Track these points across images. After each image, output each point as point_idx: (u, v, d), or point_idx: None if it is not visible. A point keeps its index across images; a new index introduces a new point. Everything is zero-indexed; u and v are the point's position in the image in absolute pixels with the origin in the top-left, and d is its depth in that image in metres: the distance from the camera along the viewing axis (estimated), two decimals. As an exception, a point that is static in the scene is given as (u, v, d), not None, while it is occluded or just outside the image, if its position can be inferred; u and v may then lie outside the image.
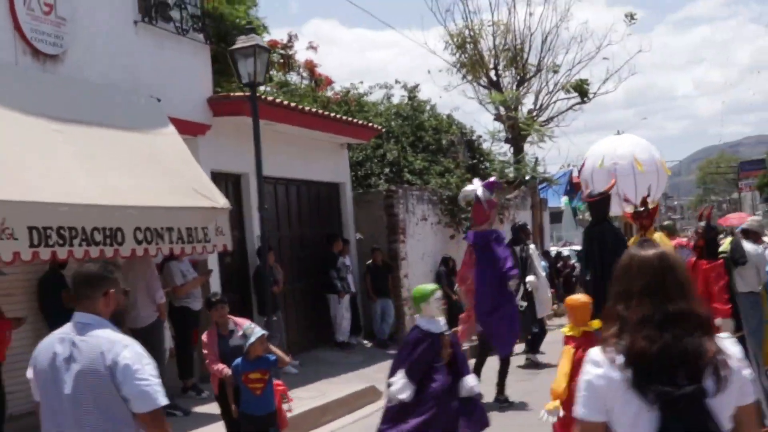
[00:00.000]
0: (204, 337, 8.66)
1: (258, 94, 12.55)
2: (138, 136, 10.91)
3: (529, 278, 14.55)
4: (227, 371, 8.12)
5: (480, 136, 24.49)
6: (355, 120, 17.09)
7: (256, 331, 7.99)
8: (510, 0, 30.16)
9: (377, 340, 17.12)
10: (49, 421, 4.26)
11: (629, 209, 12.75)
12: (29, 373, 4.45)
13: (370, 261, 17.22)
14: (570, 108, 30.27)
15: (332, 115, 16.23)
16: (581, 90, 27.51)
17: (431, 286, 7.67)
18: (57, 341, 4.28)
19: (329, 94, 21.12)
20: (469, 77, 30.49)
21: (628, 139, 19.02)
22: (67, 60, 10.41)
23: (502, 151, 26.38)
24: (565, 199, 35.20)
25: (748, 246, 11.19)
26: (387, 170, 20.46)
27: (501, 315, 11.28)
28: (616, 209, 18.64)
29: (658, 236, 12.52)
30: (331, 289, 16.09)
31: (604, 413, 3.03)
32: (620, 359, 2.99)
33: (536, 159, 28.59)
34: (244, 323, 8.46)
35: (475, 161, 22.73)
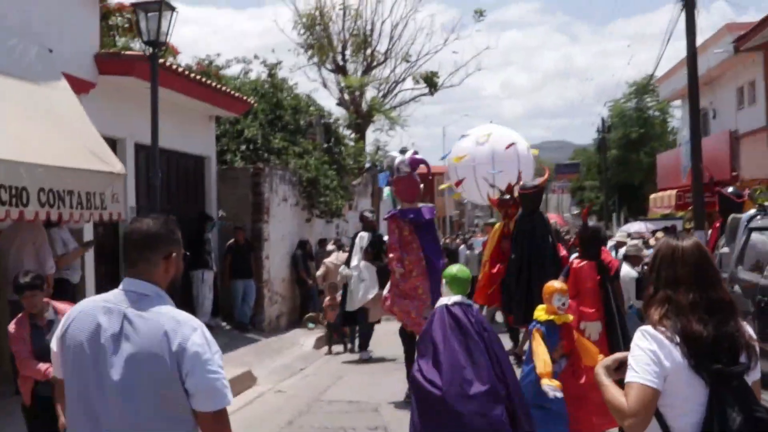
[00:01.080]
0: (11, 327, 6.80)
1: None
2: (32, 87, 9.85)
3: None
4: (51, 371, 6.10)
5: (338, 119, 24.10)
6: (231, 91, 16.29)
7: None
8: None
9: (237, 322, 16.49)
10: (78, 410, 3.43)
11: (495, 195, 12.92)
12: (53, 344, 3.69)
13: (231, 240, 16.55)
14: (414, 98, 30.65)
15: (213, 84, 15.39)
16: (431, 82, 27.83)
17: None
18: (101, 311, 3.43)
19: (191, 64, 20.14)
20: (316, 59, 30.19)
21: (500, 128, 19.22)
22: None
23: (353, 136, 26.22)
24: (386, 189, 35.55)
25: (625, 269, 11.45)
26: (244, 148, 19.74)
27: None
28: (474, 196, 18.75)
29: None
30: (197, 266, 15.29)
31: (662, 383, 3.31)
32: (676, 338, 3.33)
33: (377, 147, 28.70)
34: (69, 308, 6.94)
35: (330, 144, 22.36)
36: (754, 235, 10.04)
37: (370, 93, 30.44)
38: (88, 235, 11.94)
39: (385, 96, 29.80)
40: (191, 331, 3.39)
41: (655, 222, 24.56)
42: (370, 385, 12.30)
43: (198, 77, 14.85)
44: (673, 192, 26.57)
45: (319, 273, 17.25)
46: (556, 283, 7.96)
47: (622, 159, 42.90)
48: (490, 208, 19.80)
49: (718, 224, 12.68)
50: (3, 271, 9.74)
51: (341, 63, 30.21)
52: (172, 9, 11.29)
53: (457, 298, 7.24)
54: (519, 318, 11.10)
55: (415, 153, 11.48)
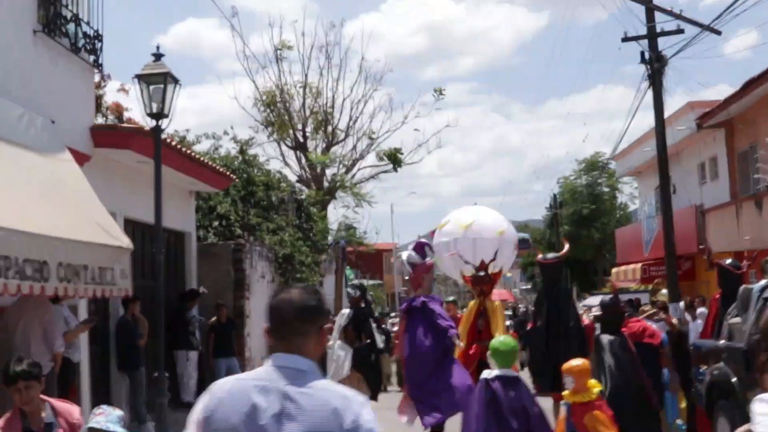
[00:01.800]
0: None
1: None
2: (39, 158, 9.55)
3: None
4: None
5: (310, 196, 23.94)
6: (215, 166, 16.07)
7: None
8: (322, 63, 30.38)
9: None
10: None
11: (468, 273, 12.84)
12: (193, 429, 3.40)
13: (214, 318, 16.11)
14: (373, 176, 30.67)
15: (200, 158, 15.16)
16: (395, 159, 27.90)
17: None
18: (255, 391, 3.17)
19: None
20: (276, 136, 30.14)
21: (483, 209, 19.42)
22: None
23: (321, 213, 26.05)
24: (348, 269, 35.41)
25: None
26: (217, 224, 19.45)
27: (444, 373, 10.56)
28: (450, 270, 18.80)
29: (498, 304, 12.74)
30: (181, 346, 14.84)
31: None
32: None
33: (346, 224, 28.60)
34: (72, 410, 5.92)
35: (302, 221, 22.17)
36: (772, 305, 10.07)
37: (330, 170, 30.48)
38: (82, 312, 11.52)
39: (346, 172, 29.79)
40: (361, 407, 3.18)
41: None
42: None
43: (185, 150, 14.61)
44: (638, 265, 26.86)
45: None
46: (571, 362, 7.79)
47: (574, 235, 43.42)
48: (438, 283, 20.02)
49: (718, 296, 12.75)
50: (9, 352, 9.23)
51: (301, 140, 30.20)
52: (176, 81, 11.13)
53: (498, 372, 7.06)
54: (546, 385, 11.07)
55: (420, 239, 12.01)
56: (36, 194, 8.71)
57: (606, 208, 44.08)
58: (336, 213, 28.05)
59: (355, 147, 29.83)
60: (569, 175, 45.90)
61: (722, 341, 11.30)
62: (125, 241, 9.94)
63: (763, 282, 10.68)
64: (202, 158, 15.42)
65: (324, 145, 30.09)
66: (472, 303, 12.66)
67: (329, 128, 30.01)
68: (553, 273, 12.03)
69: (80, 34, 11.28)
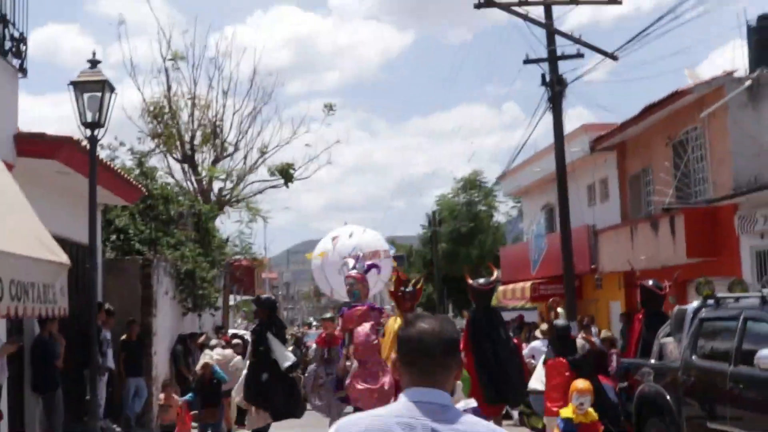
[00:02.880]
0: None
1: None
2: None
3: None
4: None
5: (207, 210, 23.30)
6: (127, 177, 15.41)
7: None
8: (212, 74, 29.79)
9: (125, 421, 15.25)
10: None
11: (392, 287, 12.88)
12: None
13: (124, 336, 15.43)
14: (260, 191, 30.22)
15: (118, 170, 14.52)
16: (287, 174, 27.56)
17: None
18: (400, 428, 2.99)
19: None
20: (163, 148, 29.30)
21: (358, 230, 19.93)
22: None
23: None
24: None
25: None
26: (114, 237, 18.67)
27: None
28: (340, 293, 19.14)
29: None
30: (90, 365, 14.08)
31: None
32: None
33: (227, 238, 28.09)
34: None
35: (200, 236, 21.55)
36: (707, 325, 10.45)
37: (217, 183, 29.87)
38: (0, 331, 10.80)
39: (235, 186, 29.27)
40: None
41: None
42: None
43: (105, 162, 13.97)
44: (527, 284, 27.42)
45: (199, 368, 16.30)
46: (579, 383, 7.89)
47: (453, 252, 43.98)
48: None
49: (640, 315, 13.15)
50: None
51: (189, 153, 29.45)
52: (112, 89, 10.62)
53: (472, 402, 7.08)
54: (491, 396, 11.61)
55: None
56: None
57: (484, 226, 44.88)
58: (224, 227, 27.38)
59: (245, 160, 29.36)
60: (447, 192, 46.56)
61: (652, 360, 11.66)
62: (64, 257, 9.38)
63: (695, 303, 11.09)
64: (119, 170, 14.74)
65: (212, 158, 29.45)
66: (397, 320, 12.40)
67: (218, 141, 29.40)
68: (487, 296, 12.76)
69: (6, 36, 10.63)
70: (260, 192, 30.16)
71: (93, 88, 10.31)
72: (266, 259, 57.37)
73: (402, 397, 3.07)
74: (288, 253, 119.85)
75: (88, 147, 11.92)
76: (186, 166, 29.10)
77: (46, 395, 11.99)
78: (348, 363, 12.15)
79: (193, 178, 28.81)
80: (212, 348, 16.79)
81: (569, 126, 22.72)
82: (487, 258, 44.56)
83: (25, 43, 11.21)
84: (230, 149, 29.57)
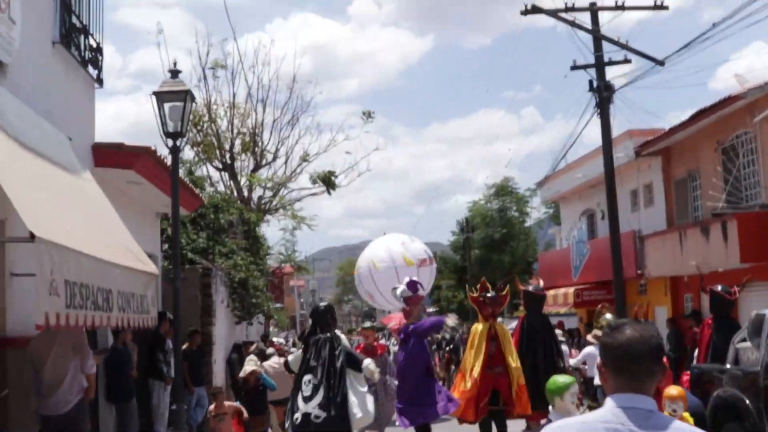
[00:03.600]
0: None
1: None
2: (72, 179, 9.00)
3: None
4: None
5: (254, 217, 23.42)
6: (191, 186, 15.53)
7: None
8: (251, 82, 29.96)
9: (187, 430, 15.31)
10: None
11: (473, 293, 12.86)
12: None
13: (186, 345, 15.49)
14: (299, 199, 30.34)
15: (183, 179, 14.63)
16: (329, 182, 27.66)
17: (566, 378, 7.04)
18: None
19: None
20: (203, 156, 29.48)
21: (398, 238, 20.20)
22: (9, 72, 8.37)
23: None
24: None
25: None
26: (166, 247, 18.78)
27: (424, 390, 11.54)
28: (382, 302, 19.19)
29: (500, 327, 12.66)
30: (156, 375, 14.19)
31: None
32: None
33: (282, 245, 28.21)
34: None
35: (250, 244, 21.66)
36: (789, 331, 10.43)
37: (256, 192, 30.02)
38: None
39: (275, 194, 29.40)
40: None
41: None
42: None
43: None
44: (569, 290, 27.35)
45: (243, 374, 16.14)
46: (671, 390, 7.80)
47: (485, 258, 43.95)
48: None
49: (710, 320, 13.13)
50: (40, 381, 8.56)
51: (229, 161, 29.62)
52: (193, 99, 10.73)
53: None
54: (538, 402, 11.52)
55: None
56: (81, 217, 8.20)
57: (516, 232, 44.86)
58: (266, 235, 27.50)
59: (285, 168, 29.51)
60: (479, 199, 46.57)
61: (728, 365, 11.62)
62: (153, 267, 9.50)
63: (774, 308, 11.06)
64: (183, 179, 14.86)
65: (252, 166, 29.62)
66: (479, 327, 12.42)
67: (257, 149, 29.55)
68: (540, 302, 13.47)
69: (87, 47, 10.75)
70: (299, 200, 30.36)
71: (175, 98, 10.40)
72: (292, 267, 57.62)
73: (609, 403, 3.10)
74: (313, 260, 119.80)
75: (163, 157, 12.08)
76: (226, 174, 29.28)
77: (120, 405, 12.06)
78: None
79: (233, 186, 28.97)
80: (269, 356, 16.84)
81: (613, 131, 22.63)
82: (520, 264, 44.63)
83: (102, 54, 11.33)
84: (269, 157, 29.77)
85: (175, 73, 10.64)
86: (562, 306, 28.14)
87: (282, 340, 21.45)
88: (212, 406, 13.58)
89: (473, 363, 12.09)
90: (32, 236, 5.59)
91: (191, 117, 28.61)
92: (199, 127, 29.15)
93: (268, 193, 29.77)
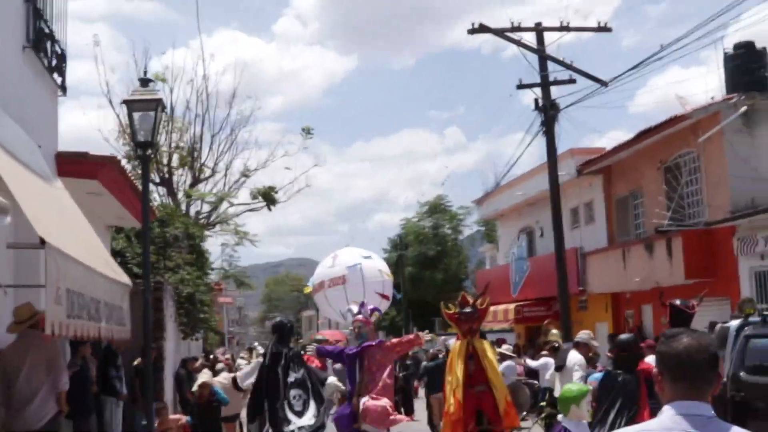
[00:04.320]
0: None
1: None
2: (49, 188, 8.72)
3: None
4: None
5: (199, 233, 23.06)
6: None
7: None
8: (189, 98, 29.58)
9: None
10: None
11: (449, 310, 12.37)
12: None
13: (138, 361, 15.11)
14: (238, 214, 30.02)
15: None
16: (269, 197, 27.42)
17: (581, 386, 7.09)
18: None
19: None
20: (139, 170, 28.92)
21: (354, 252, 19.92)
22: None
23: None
24: None
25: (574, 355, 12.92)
26: (118, 261, 18.34)
27: None
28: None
29: (486, 342, 12.08)
30: (109, 391, 13.78)
31: None
32: None
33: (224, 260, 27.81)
34: None
35: (195, 257, 21.30)
36: (754, 342, 10.70)
37: (193, 207, 29.60)
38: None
39: (213, 209, 29.03)
40: None
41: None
42: None
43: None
44: (509, 306, 27.60)
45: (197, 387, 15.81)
46: None
47: (418, 276, 44.08)
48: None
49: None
50: (13, 395, 8.21)
51: (166, 175, 29.15)
52: (164, 108, 10.51)
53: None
54: None
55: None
56: (66, 225, 7.94)
57: (448, 249, 45.14)
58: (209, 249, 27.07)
59: (224, 183, 29.19)
60: (412, 217, 46.76)
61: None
62: (126, 278, 9.25)
63: (738, 321, 11.34)
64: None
65: (190, 181, 29.18)
66: (456, 344, 11.86)
67: (196, 164, 29.16)
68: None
69: (53, 53, 10.45)
70: (237, 215, 30.05)
71: (145, 107, 10.17)
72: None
73: (668, 411, 3.17)
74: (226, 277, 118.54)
75: (125, 167, 11.77)
76: (164, 189, 28.79)
77: (79, 421, 11.67)
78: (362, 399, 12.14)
79: (171, 201, 28.49)
80: (219, 372, 16.56)
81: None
82: (452, 281, 44.90)
83: (65, 61, 11.04)
84: (208, 172, 29.40)
85: (145, 81, 10.41)
86: (502, 322, 28.36)
87: (228, 356, 21.17)
88: (156, 422, 13.10)
89: (454, 384, 11.80)
90: (42, 242, 5.38)
91: (128, 131, 28.29)
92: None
93: (206, 208, 29.40)
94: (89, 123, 42.81)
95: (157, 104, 10.16)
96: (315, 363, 14.46)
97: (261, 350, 13.41)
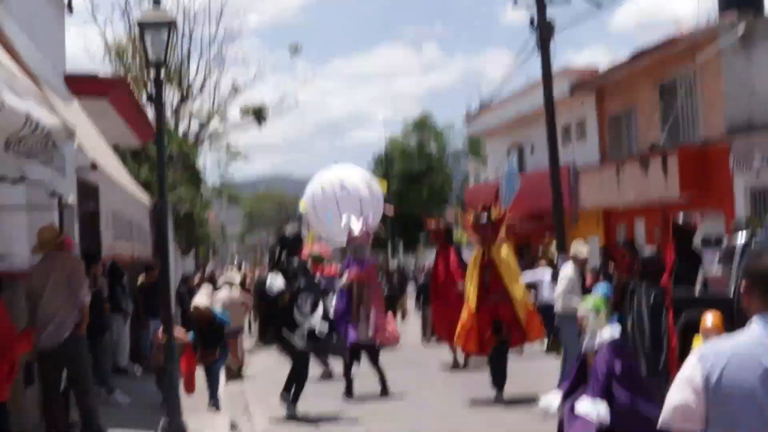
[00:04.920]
0: None
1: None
2: (69, 110, 8.64)
3: None
4: None
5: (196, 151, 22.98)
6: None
7: None
8: (176, 16, 29.05)
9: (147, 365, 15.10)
10: None
11: (469, 220, 12.03)
12: (685, 394, 3.36)
13: (141, 278, 15.18)
14: (224, 133, 29.84)
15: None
16: (259, 114, 27.27)
17: (599, 297, 7.24)
18: (762, 348, 3.20)
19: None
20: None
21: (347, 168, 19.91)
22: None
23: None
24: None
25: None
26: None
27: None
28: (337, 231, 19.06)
29: (507, 251, 11.91)
30: (116, 309, 13.86)
31: None
32: None
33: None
34: None
35: (190, 175, 21.28)
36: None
37: (181, 126, 29.38)
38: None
39: (202, 128, 28.84)
40: None
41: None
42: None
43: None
44: (500, 223, 27.78)
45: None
46: (708, 321, 7.93)
47: (403, 193, 44.27)
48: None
49: (672, 251, 13.56)
50: (37, 314, 8.21)
51: (153, 94, 28.76)
52: (176, 28, 10.36)
53: (616, 331, 7.21)
54: None
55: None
56: (95, 147, 7.92)
57: (433, 165, 45.27)
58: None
59: (213, 100, 28.94)
60: (396, 134, 46.70)
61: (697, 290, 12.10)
62: (146, 199, 9.26)
63: (744, 239, 11.53)
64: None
65: (178, 99, 28.90)
66: (474, 254, 11.71)
67: (184, 81, 28.84)
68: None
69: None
70: (223, 134, 29.85)
71: (158, 28, 9.98)
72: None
73: (757, 322, 3.29)
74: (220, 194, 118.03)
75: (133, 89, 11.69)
76: (152, 106, 28.45)
77: (94, 340, 11.78)
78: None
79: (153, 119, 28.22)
80: (219, 288, 16.52)
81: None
82: (437, 197, 45.15)
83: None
84: (195, 90, 29.11)
85: (157, 2, 10.22)
86: (493, 239, 28.52)
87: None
88: (158, 336, 12.75)
89: (470, 293, 11.60)
90: (94, 166, 5.39)
91: (115, 50, 27.87)
92: (123, 60, 28.26)
93: (195, 127, 29.20)
94: (71, 43, 42.07)
95: (170, 26, 9.99)
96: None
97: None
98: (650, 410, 6.49)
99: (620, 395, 6.74)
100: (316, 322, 11.07)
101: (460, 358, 15.30)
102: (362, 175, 19.82)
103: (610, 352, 6.96)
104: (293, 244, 12.36)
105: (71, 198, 6.12)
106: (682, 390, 3.32)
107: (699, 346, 3.52)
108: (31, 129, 4.19)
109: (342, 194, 18.07)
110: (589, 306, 7.29)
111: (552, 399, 7.19)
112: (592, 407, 6.65)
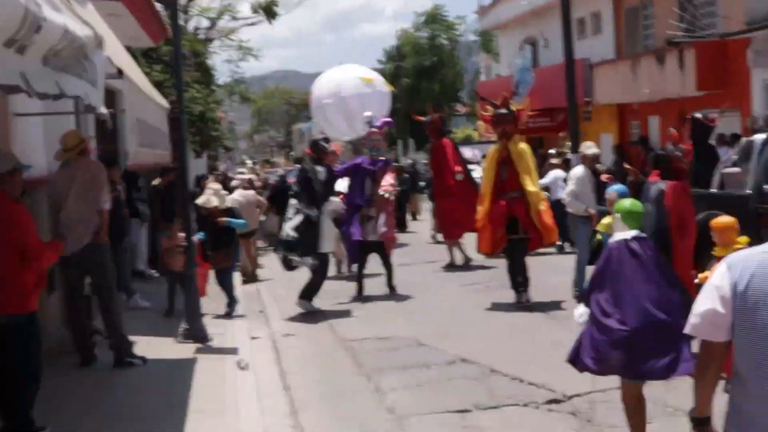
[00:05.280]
0: None
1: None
2: (84, 12, 8.50)
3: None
4: None
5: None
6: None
7: None
8: None
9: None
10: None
11: (486, 112, 11.45)
12: (714, 303, 3.31)
13: (158, 182, 15.13)
14: (235, 29, 29.43)
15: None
16: (270, 11, 26.79)
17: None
18: None
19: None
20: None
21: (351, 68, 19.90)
22: None
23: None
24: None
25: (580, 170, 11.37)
26: (119, 79, 18.17)
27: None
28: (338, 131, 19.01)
29: (524, 146, 11.48)
30: (133, 213, 13.86)
31: None
32: None
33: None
34: None
35: (202, 75, 21.08)
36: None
37: (191, 22, 28.93)
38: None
39: (212, 25, 28.40)
40: None
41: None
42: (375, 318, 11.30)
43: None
44: (513, 118, 27.57)
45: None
46: (718, 220, 7.87)
47: (414, 87, 43.80)
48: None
49: (690, 147, 13.47)
50: (60, 220, 8.19)
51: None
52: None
53: (635, 232, 7.15)
54: None
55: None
56: (116, 52, 7.81)
57: (445, 59, 44.65)
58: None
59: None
60: (408, 27, 45.93)
61: (713, 189, 12.07)
62: (166, 103, 9.19)
63: (763, 135, 11.43)
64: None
65: (187, -3, 28.37)
66: (491, 149, 11.36)
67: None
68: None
69: None
70: (233, 31, 29.39)
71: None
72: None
73: None
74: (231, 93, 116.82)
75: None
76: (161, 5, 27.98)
77: (115, 245, 11.82)
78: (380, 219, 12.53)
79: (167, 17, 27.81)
80: (233, 189, 16.45)
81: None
82: (449, 92, 44.70)
83: None
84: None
85: None
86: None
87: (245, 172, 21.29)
88: (166, 239, 12.18)
89: (486, 190, 11.23)
90: (120, 73, 5.34)
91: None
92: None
93: (204, 24, 28.77)
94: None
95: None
96: None
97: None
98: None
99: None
100: (288, 227, 11.27)
101: (458, 258, 15.28)
102: (364, 75, 19.65)
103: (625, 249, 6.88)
104: (322, 149, 12.25)
105: (102, 108, 6.03)
106: (711, 297, 3.36)
107: (727, 256, 3.52)
108: (68, 41, 4.12)
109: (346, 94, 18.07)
110: (621, 207, 7.12)
111: (583, 311, 7.15)
112: (579, 311, 6.66)
